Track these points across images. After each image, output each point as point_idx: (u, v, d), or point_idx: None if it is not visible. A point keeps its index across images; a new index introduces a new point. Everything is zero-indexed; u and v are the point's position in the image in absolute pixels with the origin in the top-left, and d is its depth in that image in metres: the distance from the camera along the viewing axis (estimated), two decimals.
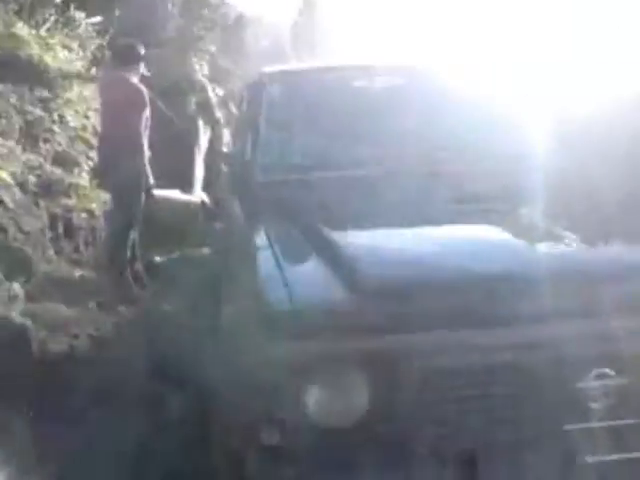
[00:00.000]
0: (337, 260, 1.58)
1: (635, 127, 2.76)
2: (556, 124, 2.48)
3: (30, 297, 3.16)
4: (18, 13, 5.56)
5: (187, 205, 5.45)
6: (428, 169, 2.19)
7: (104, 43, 7.03)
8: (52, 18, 6.20)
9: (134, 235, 4.02)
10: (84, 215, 4.38)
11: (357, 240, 1.82)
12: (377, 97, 2.67)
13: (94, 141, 5.02)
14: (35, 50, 5.31)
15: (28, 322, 2.86)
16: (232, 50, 9.74)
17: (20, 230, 3.49)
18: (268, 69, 3.02)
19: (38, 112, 4.71)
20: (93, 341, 3.12)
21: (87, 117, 5.36)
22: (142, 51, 4.32)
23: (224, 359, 1.66)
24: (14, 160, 3.99)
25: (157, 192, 4.64)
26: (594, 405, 1.40)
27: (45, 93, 4.98)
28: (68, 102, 5.22)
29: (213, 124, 7.10)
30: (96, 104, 5.24)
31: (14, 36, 5.26)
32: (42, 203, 4.02)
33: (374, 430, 1.36)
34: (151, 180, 4.08)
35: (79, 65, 6.18)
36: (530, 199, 1.98)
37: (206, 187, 5.99)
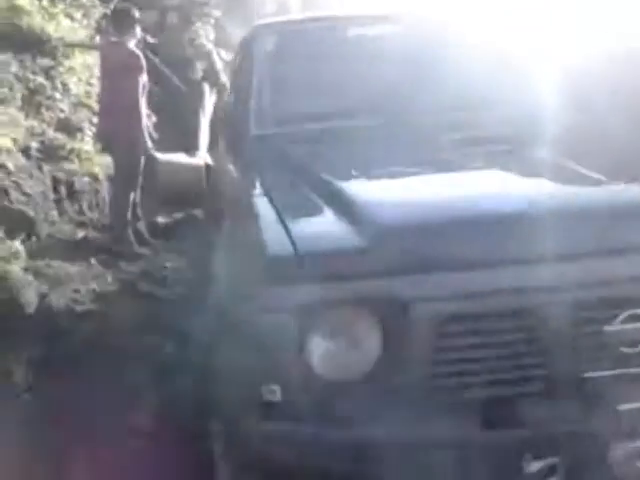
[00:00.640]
0: (340, 203, 1.46)
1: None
2: (562, 71, 2.39)
3: (32, 255, 3.30)
4: None
5: (190, 167, 5.55)
6: (430, 118, 2.07)
7: (108, 12, 7.08)
8: None
9: (134, 196, 4.14)
10: (87, 179, 4.51)
11: (360, 184, 1.70)
12: (371, 46, 2.56)
13: (97, 108, 5.13)
14: (37, 20, 5.39)
15: (29, 277, 3.00)
16: (238, 14, 9.68)
17: (23, 193, 3.62)
18: (261, 21, 3.00)
19: (40, 80, 4.81)
20: (95, 295, 3.26)
21: (90, 84, 5.45)
22: (136, 15, 4.37)
23: (221, 309, 1.55)
24: (17, 127, 4.11)
25: (161, 155, 4.74)
26: (627, 350, 1.28)
27: (47, 61, 5.07)
28: (70, 70, 5.31)
29: (219, 88, 7.14)
30: (98, 71, 5.34)
31: (15, 7, 5.34)
32: (45, 168, 4.15)
33: (384, 383, 1.24)
34: (149, 143, 4.18)
35: (82, 34, 6.24)
36: (539, 141, 1.86)
37: (210, 150, 6.07)
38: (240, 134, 2.36)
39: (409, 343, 1.24)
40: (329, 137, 2.05)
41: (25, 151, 4.04)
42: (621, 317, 1.28)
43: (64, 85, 5.10)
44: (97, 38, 6.73)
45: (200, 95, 6.86)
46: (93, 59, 6.09)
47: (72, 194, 4.26)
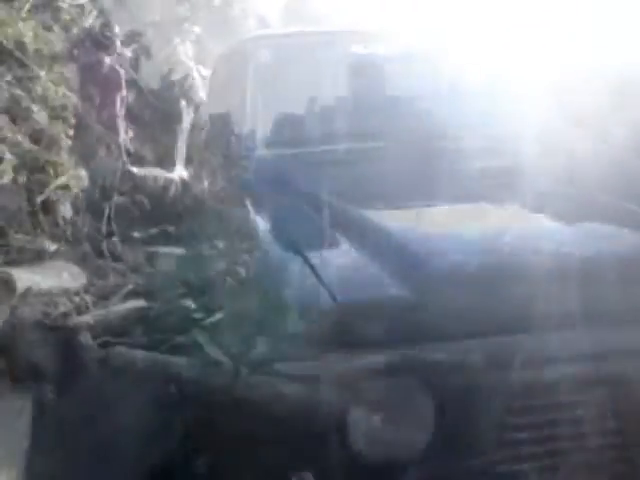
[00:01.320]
0: (375, 245, 1.23)
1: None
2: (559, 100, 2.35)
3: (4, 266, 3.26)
4: None
5: (166, 182, 5.57)
6: (424, 144, 1.96)
7: (88, 26, 7.10)
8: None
9: (109, 211, 4.15)
10: (62, 192, 4.48)
11: (394, 223, 1.46)
12: (372, 64, 2.47)
13: (74, 120, 5.12)
14: (14, 30, 5.37)
15: None
16: (219, 30, 9.76)
17: None
18: (253, 34, 2.87)
19: (16, 91, 4.79)
20: (65, 307, 3.23)
21: (67, 97, 5.44)
22: (116, 30, 4.41)
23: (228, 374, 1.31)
24: None
25: (137, 170, 4.76)
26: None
27: (24, 72, 5.06)
28: (48, 82, 5.29)
29: (196, 105, 7.19)
30: (76, 84, 5.34)
31: None
32: (20, 179, 4.12)
33: (440, 466, 1.01)
34: (125, 158, 4.20)
35: (60, 46, 6.24)
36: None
37: (187, 165, 6.10)
38: (233, 154, 2.26)
39: (472, 416, 1.01)
40: (331, 159, 1.90)
41: None
42: None
43: (41, 97, 5.08)
44: (75, 51, 6.75)
45: (178, 112, 6.89)
46: (71, 72, 6.10)
47: (47, 206, 4.23)
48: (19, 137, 4.49)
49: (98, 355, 2.32)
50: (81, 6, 7.18)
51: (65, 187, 4.57)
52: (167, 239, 4.93)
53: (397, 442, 1.00)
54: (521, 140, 2.04)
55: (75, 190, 4.62)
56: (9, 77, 5.03)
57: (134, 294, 3.44)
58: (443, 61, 2.43)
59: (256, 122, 2.24)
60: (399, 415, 1.01)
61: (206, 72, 8.24)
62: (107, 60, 4.29)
